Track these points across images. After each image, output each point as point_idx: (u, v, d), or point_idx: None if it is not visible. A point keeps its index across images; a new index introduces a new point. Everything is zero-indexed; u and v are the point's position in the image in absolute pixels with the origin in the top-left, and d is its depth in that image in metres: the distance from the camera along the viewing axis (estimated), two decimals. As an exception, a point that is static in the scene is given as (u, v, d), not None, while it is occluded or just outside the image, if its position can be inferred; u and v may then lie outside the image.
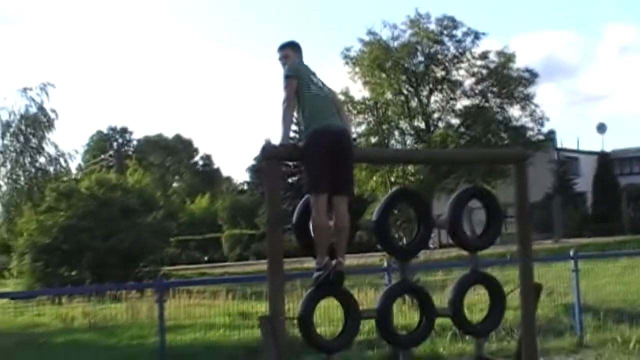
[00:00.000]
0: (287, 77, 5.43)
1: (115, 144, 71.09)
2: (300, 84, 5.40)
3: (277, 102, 5.41)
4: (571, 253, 10.88)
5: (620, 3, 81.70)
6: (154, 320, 9.06)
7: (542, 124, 37.92)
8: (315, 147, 5.31)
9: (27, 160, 34.37)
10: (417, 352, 7.27)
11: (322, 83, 5.64)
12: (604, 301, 11.72)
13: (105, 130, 72.49)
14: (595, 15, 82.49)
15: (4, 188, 34.39)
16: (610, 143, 68.64)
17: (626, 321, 10.28)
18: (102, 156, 45.32)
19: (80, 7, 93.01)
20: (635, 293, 12.46)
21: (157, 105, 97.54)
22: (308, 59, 5.80)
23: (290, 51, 5.73)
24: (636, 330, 9.68)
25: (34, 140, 34.40)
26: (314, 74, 5.64)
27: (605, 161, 49.60)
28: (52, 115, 34.58)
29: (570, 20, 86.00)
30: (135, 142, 74.74)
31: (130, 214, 23.92)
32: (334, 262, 5.37)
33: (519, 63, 37.39)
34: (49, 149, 34.60)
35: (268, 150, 5.60)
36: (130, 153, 65.22)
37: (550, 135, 42.24)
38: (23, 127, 34.13)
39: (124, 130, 74.42)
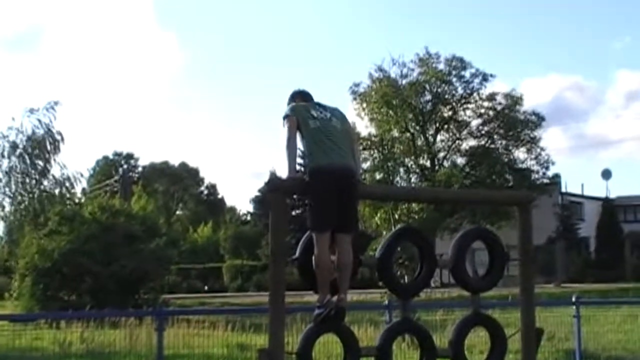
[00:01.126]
0: (285, 117, 5.48)
1: (120, 169, 71.31)
2: (300, 121, 5.42)
3: (282, 137, 5.43)
4: (573, 298, 10.84)
5: (630, 50, 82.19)
6: (153, 348, 9.02)
7: (547, 168, 38.07)
8: (318, 185, 5.29)
9: (33, 181, 34.43)
10: (416, 392, 7.21)
11: (332, 114, 5.60)
12: (605, 349, 11.64)
13: (111, 156, 72.71)
14: (604, 60, 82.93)
15: (7, 208, 34.37)
16: (615, 189, 68.65)
17: (625, 370, 10.23)
18: (107, 181, 45.39)
19: (89, 33, 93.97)
20: (636, 342, 12.38)
21: (164, 133, 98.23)
22: (318, 94, 5.88)
23: (297, 99, 5.81)
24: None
25: (39, 162, 34.46)
26: (319, 107, 5.62)
27: (610, 207, 49.60)
28: (58, 137, 34.69)
29: (579, 65, 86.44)
30: (140, 169, 74.87)
31: (132, 240, 23.89)
32: (335, 298, 5.35)
33: (527, 105, 37.66)
34: (55, 171, 34.67)
35: (273, 183, 5.62)
36: (135, 179, 65.46)
37: (555, 179, 42.34)
38: (29, 149, 34.19)
39: (129, 156, 74.67)
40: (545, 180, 38.49)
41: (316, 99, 5.84)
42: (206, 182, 78.06)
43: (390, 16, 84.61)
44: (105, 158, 71.34)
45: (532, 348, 6.39)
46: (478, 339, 7.10)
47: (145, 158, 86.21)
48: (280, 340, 5.30)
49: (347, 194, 5.36)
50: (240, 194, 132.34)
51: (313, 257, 5.34)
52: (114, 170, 67.88)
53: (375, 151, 37.45)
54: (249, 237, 53.04)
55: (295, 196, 5.70)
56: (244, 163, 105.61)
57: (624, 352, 11.62)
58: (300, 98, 5.81)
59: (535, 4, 79.75)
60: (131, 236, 23.95)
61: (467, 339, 6.23)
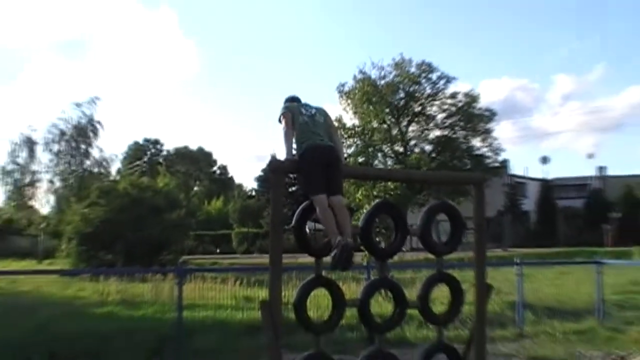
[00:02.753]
0: (282, 114, 5.62)
1: (148, 152, 70.94)
2: (293, 117, 5.58)
3: (280, 128, 5.56)
4: (516, 260, 10.88)
5: (567, 57, 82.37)
6: (174, 299, 9.01)
7: (497, 154, 38.18)
8: (308, 160, 5.41)
9: (77, 162, 34.38)
10: (389, 336, 7.23)
11: (316, 110, 5.79)
12: (541, 300, 11.72)
13: (141, 141, 72.25)
14: (546, 66, 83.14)
15: (57, 184, 34.33)
16: (552, 172, 69.26)
17: (557, 317, 10.29)
18: (137, 162, 45.21)
19: (126, 40, 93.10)
20: (565, 295, 12.49)
21: (185, 122, 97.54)
22: (308, 93, 5.91)
23: (290, 102, 5.93)
24: (564, 324, 9.69)
25: (82, 146, 34.40)
26: (307, 106, 5.81)
27: (547, 187, 49.84)
28: (98, 126, 34.75)
29: (526, 70, 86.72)
30: (165, 152, 74.49)
31: (157, 211, 23.84)
32: (343, 240, 5.27)
33: (483, 103, 37.57)
34: (95, 153, 34.68)
35: (273, 164, 5.60)
36: (160, 161, 65.13)
37: (504, 164, 42.45)
38: (75, 135, 34.19)
39: (156, 142, 74.23)
40: (496, 164, 38.58)
41: (307, 96, 5.99)
42: (218, 163, 77.86)
43: (372, 26, 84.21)
44: (136, 143, 70.86)
45: (483, 300, 6.41)
46: (441, 293, 7.11)
47: (169, 143, 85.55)
48: (278, 294, 5.29)
49: (332, 164, 5.48)
50: (246, 174, 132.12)
51: (317, 213, 5.34)
52: (143, 154, 67.64)
53: (358, 139, 37.36)
54: (254, 209, 52.97)
55: (291, 175, 5.66)
56: (249, 147, 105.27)
57: (556, 303, 11.71)
58: (292, 101, 5.97)
59: (495, 19, 79.65)
60: (156, 208, 23.91)
61: (432, 293, 6.25)
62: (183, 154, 74.21)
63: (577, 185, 52.56)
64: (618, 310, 10.85)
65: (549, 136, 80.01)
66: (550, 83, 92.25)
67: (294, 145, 5.60)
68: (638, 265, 16.35)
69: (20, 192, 34.89)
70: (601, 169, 55.00)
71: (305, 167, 5.45)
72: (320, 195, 5.34)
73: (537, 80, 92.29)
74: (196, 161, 75.24)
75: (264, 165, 64.03)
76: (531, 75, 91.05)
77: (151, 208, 23.68)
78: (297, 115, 5.60)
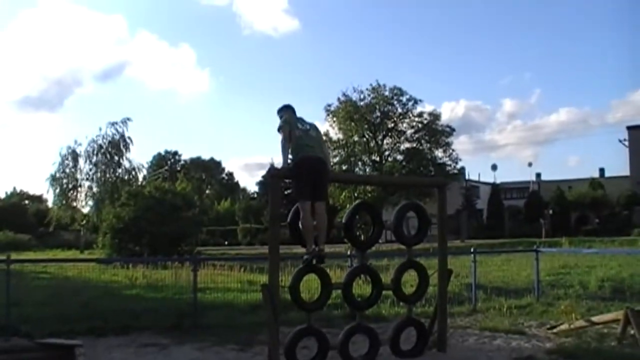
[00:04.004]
0: (280, 127, 5.54)
1: (169, 162, 70.54)
2: (290, 130, 5.47)
3: (278, 140, 5.49)
4: (471, 250, 10.90)
5: (513, 85, 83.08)
6: (190, 282, 8.94)
7: (456, 162, 38.21)
8: (300, 168, 5.35)
9: (111, 171, 34.49)
10: (368, 312, 7.22)
11: (310, 126, 5.68)
12: (490, 282, 11.75)
13: (162, 152, 71.84)
14: (495, 91, 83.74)
15: (95, 189, 34.46)
16: (499, 177, 69.99)
17: (503, 295, 10.33)
18: (160, 170, 44.99)
19: (152, 68, 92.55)
20: (509, 277, 12.56)
21: (200, 136, 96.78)
22: (301, 112, 5.87)
23: (284, 112, 5.81)
24: (508, 301, 9.73)
25: (115, 158, 34.48)
26: (302, 121, 5.68)
27: (496, 189, 50.11)
28: (129, 141, 34.83)
29: (479, 94, 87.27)
30: (182, 162, 74.07)
31: (176, 210, 23.73)
32: (317, 248, 5.34)
33: (445, 120, 37.61)
34: (125, 163, 34.79)
35: (272, 171, 5.59)
36: (178, 169, 64.77)
37: (461, 171, 42.53)
38: (110, 148, 34.36)
39: (175, 153, 73.90)
40: (455, 171, 38.59)
41: (301, 113, 5.86)
42: (226, 170, 77.60)
43: (353, 57, 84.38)
44: (159, 154, 70.46)
45: (444, 282, 6.43)
46: (410, 277, 7.09)
47: (186, 154, 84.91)
48: (276, 278, 5.28)
49: (320, 175, 5.44)
50: (249, 179, 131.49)
51: (300, 220, 5.32)
52: (164, 163, 67.24)
53: (342, 150, 37.27)
54: (256, 209, 52.77)
55: (286, 180, 5.61)
56: (252, 157, 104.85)
57: (502, 284, 11.75)
58: (286, 110, 5.82)
59: (456, 52, 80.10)
60: (175, 207, 23.79)
61: (403, 277, 6.24)
62: (197, 163, 73.86)
63: (519, 188, 52.98)
64: (551, 289, 10.92)
65: (497, 148, 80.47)
66: (499, 105, 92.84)
67: (290, 155, 5.58)
68: (567, 253, 16.47)
69: (66, 195, 35.33)
70: (538, 175, 55.61)
71: (297, 175, 5.41)
72: (307, 202, 5.28)
73: (488, 102, 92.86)
74: (208, 169, 74.92)
75: (264, 172, 63.85)
76: (484, 98, 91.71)
77: (171, 208, 23.56)
78: (294, 129, 5.51)
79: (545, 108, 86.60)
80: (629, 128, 48.77)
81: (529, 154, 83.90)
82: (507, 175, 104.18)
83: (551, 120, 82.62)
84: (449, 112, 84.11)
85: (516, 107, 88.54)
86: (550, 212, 44.62)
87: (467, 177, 49.73)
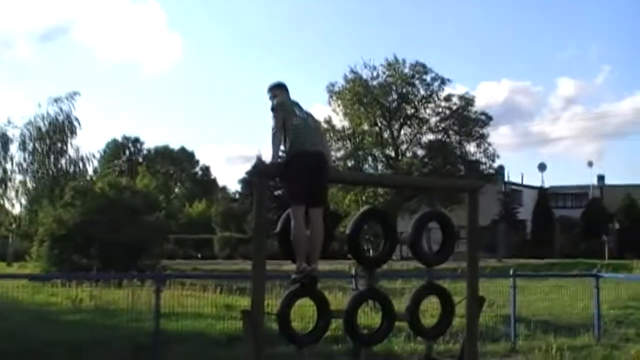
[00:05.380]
0: (274, 110, 5.55)
1: (127, 151, 70.58)
2: (285, 117, 5.51)
3: (268, 127, 5.51)
4: (511, 272, 10.93)
5: (573, 60, 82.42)
6: (151, 306, 8.97)
7: (493, 160, 38.31)
8: (295, 166, 5.40)
9: (52, 161, 34.26)
10: (376, 349, 7.23)
11: (307, 114, 5.74)
12: (534, 314, 11.78)
13: (119, 139, 71.84)
14: (548, 68, 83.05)
15: (30, 184, 34.24)
16: (550, 180, 69.54)
17: (551, 332, 10.35)
18: (116, 161, 45.01)
19: (107, 32, 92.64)
20: (559, 309, 12.58)
21: (167, 120, 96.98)
22: (297, 92, 5.89)
23: (277, 90, 5.83)
24: (558, 339, 9.75)
25: (58, 144, 34.29)
26: (299, 107, 5.73)
27: (544, 195, 50.11)
28: (76, 124, 34.64)
29: (527, 71, 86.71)
30: (145, 151, 74.14)
31: (135, 213, 23.77)
32: (309, 267, 5.36)
33: (482, 106, 37.74)
34: (71, 151, 34.56)
35: (259, 167, 5.62)
36: (140, 161, 64.84)
37: (500, 170, 42.64)
38: (51, 132, 34.09)
39: (136, 140, 73.87)
40: (491, 171, 38.73)
41: (295, 95, 5.88)
42: (200, 164, 77.64)
43: (364, 24, 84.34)
44: (115, 141, 70.45)
45: (475, 313, 6.43)
46: (431, 305, 7.12)
47: (149, 142, 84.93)
48: (260, 302, 5.29)
49: (318, 173, 5.49)
50: (230, 175, 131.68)
51: (291, 229, 5.35)
52: (121, 152, 67.26)
53: (348, 142, 37.42)
54: (237, 213, 52.80)
55: (277, 179, 5.65)
56: (234, 148, 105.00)
57: (550, 317, 11.78)
58: (279, 90, 5.84)
59: (496, 20, 79.90)
60: (134, 209, 23.83)
61: (422, 304, 6.26)
62: (163, 154, 73.92)
63: (575, 194, 52.97)
64: (616, 327, 10.92)
65: (549, 142, 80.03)
66: (553, 86, 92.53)
67: (282, 147, 5.60)
68: (638, 280, 16.44)
69: (-10, 190, 34.93)
70: (601, 177, 55.48)
71: (290, 173, 5.44)
72: (300, 206, 5.33)
73: (539, 83, 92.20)
74: (177, 161, 74.99)
75: (249, 166, 63.95)
76: (534, 77, 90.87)
77: (129, 210, 23.60)
78: (291, 116, 5.55)
79: (616, 91, 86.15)
80: None
81: (589, 150, 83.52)
82: (559, 177, 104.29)
83: (622, 108, 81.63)
84: (487, 95, 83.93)
85: (577, 90, 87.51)
86: (617, 225, 44.65)
87: (507, 179, 49.79)
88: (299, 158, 5.42)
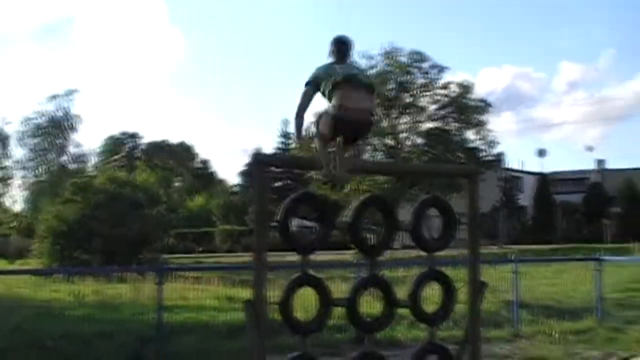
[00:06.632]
0: (306, 84, 5.38)
1: (126, 146, 70.50)
2: (320, 83, 5.27)
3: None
4: (512, 257, 10.95)
5: (576, 44, 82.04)
6: (154, 300, 8.99)
7: (492, 147, 38.22)
8: (335, 124, 5.08)
9: (52, 157, 34.47)
10: (379, 336, 7.25)
11: (359, 71, 5.51)
12: (537, 299, 11.82)
13: (117, 135, 71.71)
14: (550, 52, 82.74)
15: (31, 181, 34.47)
16: (551, 165, 69.42)
17: (554, 316, 10.37)
18: (115, 157, 45.02)
19: (107, 27, 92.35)
20: (562, 293, 12.61)
21: (166, 115, 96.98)
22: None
23: (332, 53, 5.55)
24: (561, 324, 9.77)
25: (58, 141, 34.48)
26: (346, 67, 5.41)
27: (544, 181, 50.08)
28: (75, 120, 34.80)
29: (529, 57, 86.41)
30: (143, 146, 74.02)
31: (136, 207, 23.79)
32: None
33: (484, 93, 37.73)
34: (71, 148, 34.79)
35: (258, 157, 5.59)
36: (139, 155, 64.75)
37: (499, 157, 42.56)
38: (50, 129, 34.31)
39: (134, 135, 73.81)
40: (491, 158, 38.67)
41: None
42: (200, 157, 77.60)
43: (360, 12, 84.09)
44: (112, 137, 70.32)
45: (477, 299, 6.44)
46: (432, 292, 7.13)
47: (148, 136, 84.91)
48: (263, 292, 5.29)
49: (362, 128, 5.29)
50: (230, 168, 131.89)
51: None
52: (120, 147, 67.17)
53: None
54: (238, 206, 52.88)
55: (276, 169, 5.61)
56: (233, 141, 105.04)
57: (552, 302, 11.83)
58: (339, 44, 5.55)
59: (497, 4, 79.57)
60: (135, 204, 23.86)
61: (423, 291, 6.27)
62: (163, 148, 73.85)
63: (575, 179, 52.98)
64: (618, 309, 10.95)
65: (551, 127, 79.95)
66: (555, 71, 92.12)
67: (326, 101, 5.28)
68: (639, 262, 16.47)
69: (-9, 188, 35.21)
70: (601, 162, 55.45)
71: (324, 131, 5.17)
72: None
73: (541, 69, 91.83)
74: (177, 155, 74.96)
75: (248, 159, 63.91)
76: (536, 63, 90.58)
77: (129, 204, 23.61)
78: (330, 76, 5.18)
79: (619, 75, 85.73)
80: None
81: (590, 135, 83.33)
82: (559, 162, 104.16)
83: (626, 91, 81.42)
84: (489, 82, 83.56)
85: (579, 73, 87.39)
86: (617, 210, 44.65)
87: (506, 165, 49.73)
88: (341, 116, 5.04)
